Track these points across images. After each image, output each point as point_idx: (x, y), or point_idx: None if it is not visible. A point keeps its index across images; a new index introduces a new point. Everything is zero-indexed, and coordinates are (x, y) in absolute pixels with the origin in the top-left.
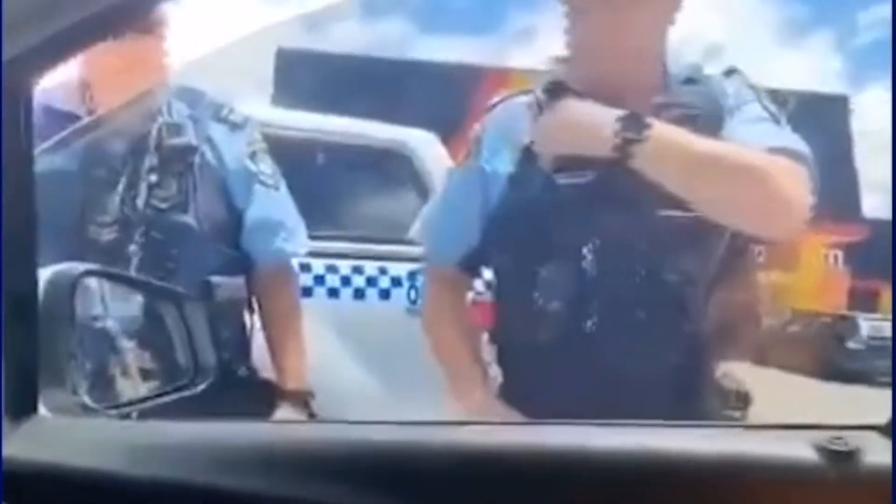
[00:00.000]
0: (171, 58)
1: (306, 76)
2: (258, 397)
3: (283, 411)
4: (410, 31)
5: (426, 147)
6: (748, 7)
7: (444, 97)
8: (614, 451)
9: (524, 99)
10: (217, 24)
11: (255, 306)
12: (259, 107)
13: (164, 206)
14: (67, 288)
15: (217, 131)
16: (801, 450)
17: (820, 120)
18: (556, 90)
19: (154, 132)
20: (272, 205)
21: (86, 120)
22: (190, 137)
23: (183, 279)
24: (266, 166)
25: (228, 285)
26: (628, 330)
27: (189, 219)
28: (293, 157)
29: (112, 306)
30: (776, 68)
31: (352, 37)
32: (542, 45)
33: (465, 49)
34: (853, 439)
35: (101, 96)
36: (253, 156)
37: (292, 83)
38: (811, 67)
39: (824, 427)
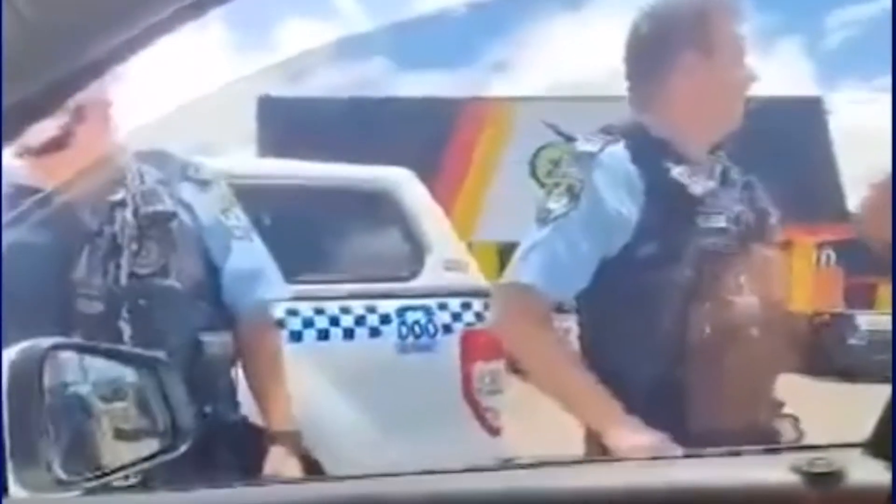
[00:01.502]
0: (139, 118)
1: (288, 122)
2: (251, 445)
3: (275, 453)
4: (388, 69)
5: (404, 184)
6: None
7: (425, 131)
8: (611, 490)
9: (618, 147)
10: (197, 75)
11: (238, 356)
12: (241, 158)
13: (146, 272)
14: (35, 364)
15: (188, 191)
16: (781, 474)
17: (798, 122)
18: (642, 138)
19: (129, 200)
20: (248, 257)
21: (51, 189)
22: (165, 203)
23: (173, 341)
24: (238, 220)
25: (217, 341)
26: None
27: (172, 282)
28: (277, 205)
29: (86, 375)
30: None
31: (331, 80)
32: (517, 76)
33: (443, 83)
34: (835, 459)
35: (62, 168)
36: (225, 211)
37: (275, 130)
38: (783, 72)
39: (805, 448)
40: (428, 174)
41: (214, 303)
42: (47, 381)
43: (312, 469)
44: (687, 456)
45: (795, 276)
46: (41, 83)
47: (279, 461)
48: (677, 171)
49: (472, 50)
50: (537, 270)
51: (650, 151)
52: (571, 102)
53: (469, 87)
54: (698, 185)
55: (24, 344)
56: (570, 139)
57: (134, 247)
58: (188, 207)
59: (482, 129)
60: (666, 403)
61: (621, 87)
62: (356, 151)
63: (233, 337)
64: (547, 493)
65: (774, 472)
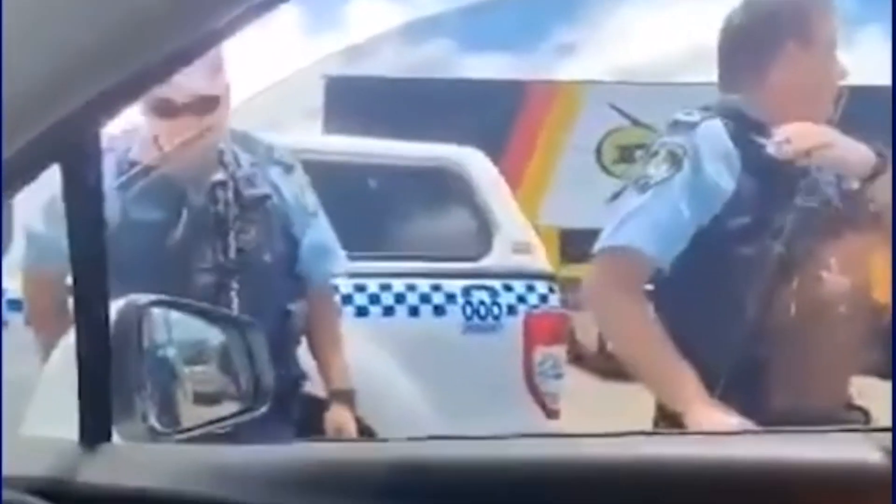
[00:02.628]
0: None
1: (355, 101)
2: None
3: (333, 410)
4: (453, 50)
5: (475, 164)
6: None
7: (491, 114)
8: (667, 461)
9: (716, 122)
10: (266, 58)
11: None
12: (311, 136)
13: (248, 248)
14: (136, 318)
15: (276, 174)
16: (866, 453)
17: (876, 110)
18: (739, 118)
19: (230, 182)
20: (318, 232)
21: (156, 160)
22: (262, 187)
23: (267, 311)
24: (311, 198)
25: (297, 311)
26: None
27: (268, 258)
28: (346, 181)
29: (175, 334)
30: None
31: (397, 61)
32: (584, 59)
33: (509, 65)
34: None
35: (168, 146)
36: (303, 190)
37: (342, 109)
38: (859, 63)
39: (884, 429)
40: (492, 157)
41: (293, 275)
42: (146, 337)
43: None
44: (768, 431)
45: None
46: (141, 65)
47: (337, 415)
48: (773, 150)
49: (539, 32)
50: (639, 234)
51: (746, 131)
52: (640, 87)
53: (535, 69)
54: (793, 166)
55: (124, 300)
56: (637, 123)
57: (238, 225)
58: (276, 189)
59: (548, 113)
60: (746, 380)
61: (690, 74)
62: (422, 132)
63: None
64: (612, 463)
65: (859, 450)
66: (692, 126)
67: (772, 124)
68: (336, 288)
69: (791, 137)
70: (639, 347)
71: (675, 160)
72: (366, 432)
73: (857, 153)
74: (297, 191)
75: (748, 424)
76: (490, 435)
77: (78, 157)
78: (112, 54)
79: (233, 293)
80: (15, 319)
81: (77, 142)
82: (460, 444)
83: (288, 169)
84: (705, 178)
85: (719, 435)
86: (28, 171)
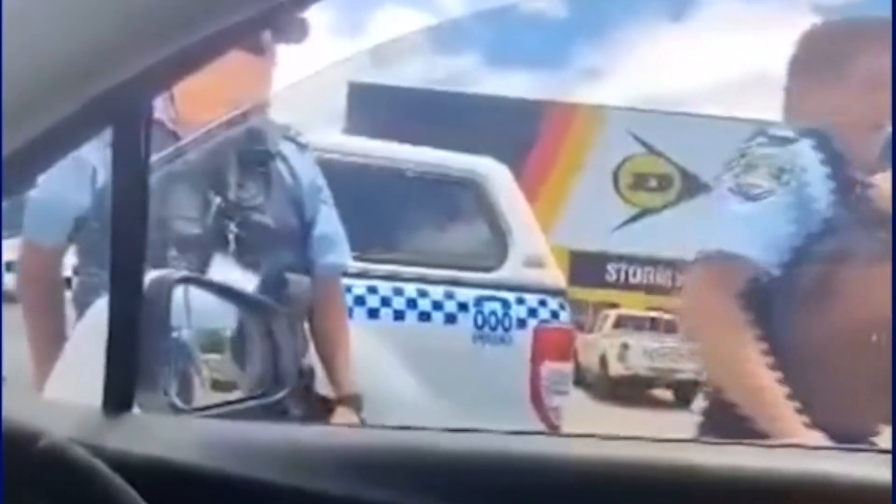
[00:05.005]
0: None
1: (376, 108)
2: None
3: (338, 413)
4: (478, 64)
5: (496, 175)
6: None
7: (510, 131)
8: (666, 466)
9: (808, 142)
10: (291, 59)
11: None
12: (334, 134)
13: (247, 204)
14: (165, 293)
15: (287, 147)
16: (868, 471)
17: None
18: (824, 142)
19: (238, 137)
20: (330, 222)
21: (192, 137)
22: (267, 145)
23: (262, 272)
24: (324, 187)
25: (299, 282)
26: None
27: (267, 219)
28: (366, 183)
29: (198, 313)
30: None
31: (420, 70)
32: (607, 84)
33: (531, 83)
34: None
35: (185, 109)
36: (317, 177)
37: (363, 115)
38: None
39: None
40: (513, 172)
41: (297, 253)
42: (173, 312)
43: None
44: (768, 445)
45: None
46: (194, 39)
47: (342, 420)
48: (859, 176)
49: (564, 53)
50: (746, 241)
51: (833, 155)
52: (659, 116)
53: (557, 89)
54: (874, 190)
55: (155, 273)
56: (654, 152)
57: (239, 178)
58: (286, 161)
59: (567, 135)
60: (832, 398)
61: (715, 107)
62: (439, 144)
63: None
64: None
65: (862, 468)
66: (792, 142)
67: (851, 150)
68: (341, 282)
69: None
70: (734, 354)
71: (781, 173)
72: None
73: None
74: (312, 173)
75: (822, 441)
76: (493, 430)
77: (129, 125)
78: (167, 27)
79: (223, 241)
80: None
81: (129, 110)
82: (475, 437)
83: (301, 148)
84: (807, 193)
85: (720, 444)
86: (79, 136)
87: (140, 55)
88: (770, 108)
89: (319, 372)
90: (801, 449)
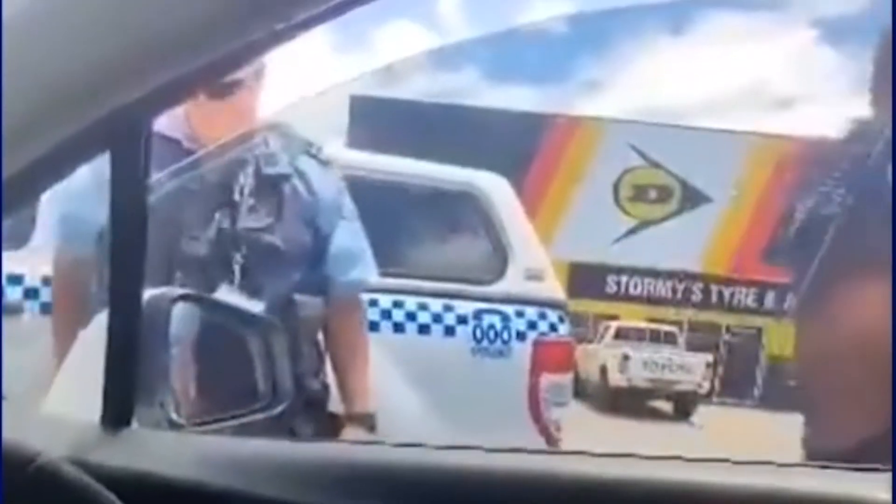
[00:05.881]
0: (264, 101)
1: (379, 122)
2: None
3: (349, 431)
4: (480, 79)
5: (495, 189)
6: (825, 58)
7: (511, 144)
8: (667, 485)
9: None
10: (296, 75)
11: (324, 332)
12: (334, 148)
13: (256, 226)
14: (165, 311)
15: (308, 164)
16: (868, 490)
17: None
18: None
19: (252, 160)
20: (352, 237)
21: (198, 155)
22: (283, 167)
23: (267, 296)
24: (348, 202)
25: (308, 303)
26: None
27: (276, 240)
28: (365, 196)
29: (198, 329)
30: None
31: (423, 85)
32: (608, 96)
33: (533, 97)
34: None
35: (200, 127)
36: (340, 193)
37: (365, 129)
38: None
39: (880, 469)
40: (514, 185)
41: (311, 270)
42: (173, 329)
43: None
44: (767, 463)
45: None
46: (193, 65)
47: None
48: None
49: (565, 67)
50: None
51: None
52: (658, 129)
53: (558, 103)
54: None
55: (155, 291)
56: (655, 164)
57: (251, 201)
58: (303, 177)
59: (568, 147)
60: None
61: (713, 119)
62: (441, 156)
63: (324, 309)
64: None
65: (861, 487)
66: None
67: None
68: (361, 299)
69: None
70: None
71: None
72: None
73: None
74: (330, 188)
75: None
76: (498, 448)
77: (129, 146)
78: (167, 52)
79: (228, 264)
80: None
81: (129, 131)
82: (472, 454)
83: (321, 164)
84: None
85: (720, 463)
86: (80, 157)
87: (139, 79)
88: (767, 120)
89: (333, 390)
90: (802, 468)
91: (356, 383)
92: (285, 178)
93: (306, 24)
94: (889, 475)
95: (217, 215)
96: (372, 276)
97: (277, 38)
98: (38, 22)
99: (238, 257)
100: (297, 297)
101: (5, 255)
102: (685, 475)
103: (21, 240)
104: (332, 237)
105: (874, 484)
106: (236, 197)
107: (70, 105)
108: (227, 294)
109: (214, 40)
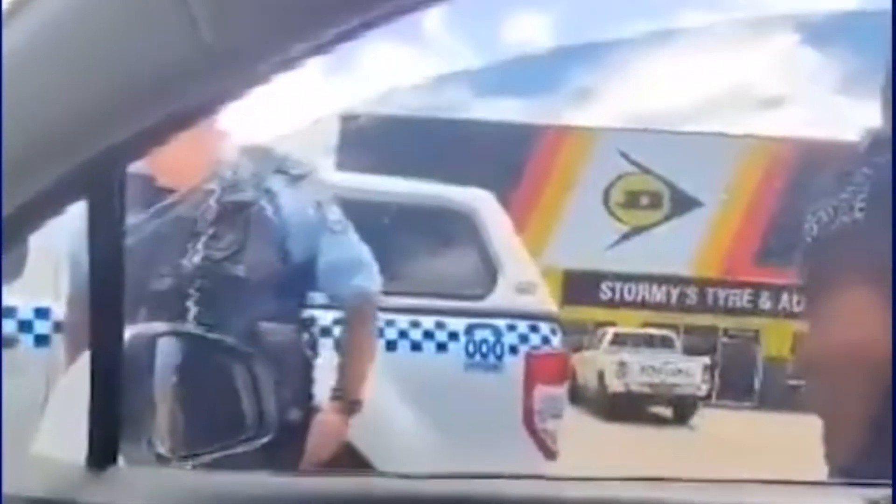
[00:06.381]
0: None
1: (368, 138)
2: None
3: (328, 412)
4: (470, 94)
5: (482, 205)
6: (809, 61)
7: (502, 155)
8: None
9: None
10: (287, 96)
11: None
12: (323, 170)
13: (218, 256)
14: (147, 347)
15: (277, 183)
16: None
17: None
18: None
19: (217, 188)
20: (343, 248)
21: (174, 198)
22: (248, 193)
23: (230, 326)
24: (333, 213)
25: (277, 331)
26: None
27: (240, 270)
28: (354, 218)
29: (183, 363)
30: (838, 118)
31: (413, 101)
32: (597, 105)
33: (524, 109)
34: None
35: (168, 163)
36: (320, 206)
37: (355, 145)
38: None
39: (879, 484)
40: (502, 198)
41: (284, 294)
42: (157, 365)
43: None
44: (767, 482)
45: None
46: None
47: (330, 419)
48: None
49: (554, 78)
50: None
51: None
52: (648, 135)
53: (549, 114)
54: None
55: (137, 327)
56: (645, 170)
57: (211, 231)
58: (273, 199)
59: (558, 157)
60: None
61: (696, 125)
62: (433, 171)
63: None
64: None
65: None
66: None
67: None
68: (371, 304)
69: None
70: None
71: None
72: (363, 465)
73: None
74: (305, 206)
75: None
76: (488, 474)
77: (104, 192)
78: (143, 99)
79: (189, 302)
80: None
81: (104, 178)
82: (459, 483)
83: (294, 180)
84: None
85: (720, 483)
86: (58, 203)
87: (115, 126)
88: (754, 124)
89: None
90: (802, 485)
91: (354, 373)
92: (249, 204)
93: (285, 66)
94: (889, 491)
95: (177, 249)
96: (375, 284)
97: (256, 81)
98: (17, 71)
99: (193, 291)
100: (264, 325)
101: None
102: (687, 497)
103: (14, 273)
104: (317, 254)
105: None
106: (199, 228)
107: (48, 153)
108: (189, 324)
109: (190, 86)
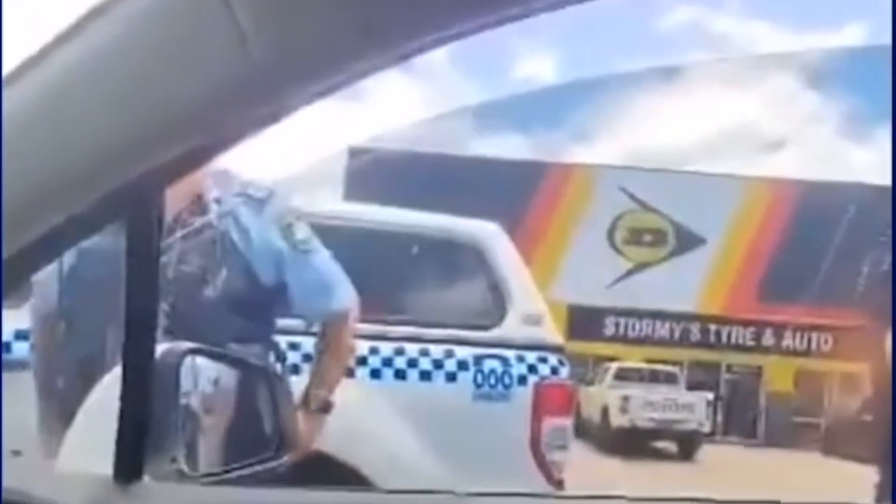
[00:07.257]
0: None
1: (376, 172)
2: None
3: (302, 411)
4: (473, 129)
5: (492, 237)
6: (810, 102)
7: (507, 192)
8: None
9: None
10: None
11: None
12: (333, 202)
13: (184, 278)
14: (175, 365)
15: (240, 207)
16: None
17: None
18: None
19: (181, 215)
20: (311, 268)
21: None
22: (208, 216)
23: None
24: (301, 234)
25: (247, 353)
26: None
27: (207, 291)
28: (366, 247)
29: (204, 382)
30: (839, 161)
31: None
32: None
33: (526, 146)
34: None
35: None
36: (288, 227)
37: (363, 179)
38: (877, 160)
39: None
40: (507, 234)
41: (252, 315)
42: (182, 382)
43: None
44: (762, 501)
45: None
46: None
47: (305, 420)
48: None
49: (557, 116)
50: None
51: None
52: (650, 173)
53: (550, 151)
54: None
55: (165, 346)
56: (647, 208)
57: (174, 255)
58: (238, 222)
59: (563, 194)
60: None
61: (698, 164)
62: (439, 206)
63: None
64: None
65: None
66: None
67: None
68: (346, 323)
69: None
70: None
71: None
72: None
73: None
74: (271, 227)
75: None
76: (486, 492)
77: (144, 212)
78: (187, 121)
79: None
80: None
81: (144, 199)
82: (469, 500)
83: (257, 203)
84: None
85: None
86: (97, 224)
87: (153, 151)
88: (755, 164)
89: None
90: None
91: (327, 378)
92: (211, 227)
93: (310, 99)
94: None
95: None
96: (347, 302)
97: (301, 101)
98: (55, 97)
99: (166, 311)
100: (233, 346)
101: (13, 311)
102: None
103: (25, 296)
104: (286, 277)
105: None
106: (164, 253)
107: (91, 173)
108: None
109: (236, 104)
